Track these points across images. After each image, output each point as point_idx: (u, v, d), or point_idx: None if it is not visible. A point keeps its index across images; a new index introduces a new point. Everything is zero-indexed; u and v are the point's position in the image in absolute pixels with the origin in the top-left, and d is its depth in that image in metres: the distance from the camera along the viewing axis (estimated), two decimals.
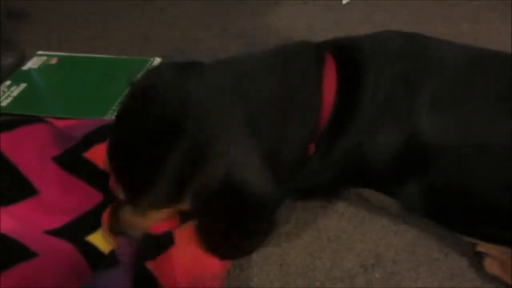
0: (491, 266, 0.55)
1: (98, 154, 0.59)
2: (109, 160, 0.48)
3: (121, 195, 0.49)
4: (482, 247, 0.56)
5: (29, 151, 0.58)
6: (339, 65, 0.52)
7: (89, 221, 0.55)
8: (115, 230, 0.51)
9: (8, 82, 0.91)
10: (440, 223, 0.59)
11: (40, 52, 1.00)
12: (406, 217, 0.61)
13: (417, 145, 0.50)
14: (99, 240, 0.54)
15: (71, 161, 0.59)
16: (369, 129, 0.51)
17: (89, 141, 0.60)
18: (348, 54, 0.53)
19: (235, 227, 0.48)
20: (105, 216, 0.53)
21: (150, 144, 0.44)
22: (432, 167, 0.50)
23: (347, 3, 1.16)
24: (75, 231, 0.54)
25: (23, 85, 0.91)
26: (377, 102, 0.50)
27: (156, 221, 0.50)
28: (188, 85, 0.46)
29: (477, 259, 0.56)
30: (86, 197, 0.57)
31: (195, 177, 0.44)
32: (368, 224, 0.62)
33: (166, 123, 0.44)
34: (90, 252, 0.53)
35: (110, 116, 0.80)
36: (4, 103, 0.86)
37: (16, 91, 0.89)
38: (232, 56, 0.56)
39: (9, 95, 0.88)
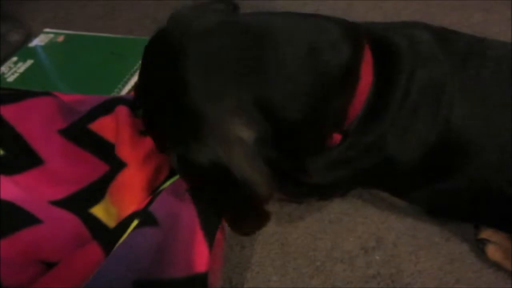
0: (494, 253, 0.55)
1: (103, 126, 0.59)
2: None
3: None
4: (484, 233, 0.56)
5: (35, 123, 0.58)
6: (376, 58, 0.49)
7: (94, 193, 0.55)
8: None
9: (14, 59, 0.91)
10: (450, 219, 0.59)
11: (47, 30, 1.00)
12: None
13: (447, 145, 0.49)
14: (102, 212, 0.55)
15: (77, 133, 0.59)
16: (400, 127, 0.49)
17: (94, 113, 0.61)
18: (385, 49, 0.50)
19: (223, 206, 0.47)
20: None
21: (160, 92, 0.44)
22: (459, 168, 0.49)
23: None
24: (79, 202, 0.54)
25: (29, 62, 0.91)
26: (409, 103, 0.48)
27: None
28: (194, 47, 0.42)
29: (479, 246, 0.56)
30: (91, 168, 0.57)
31: (183, 143, 0.42)
32: (370, 207, 0.62)
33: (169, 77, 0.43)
34: (93, 223, 0.53)
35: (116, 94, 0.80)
36: (10, 79, 0.86)
37: (22, 67, 0.89)
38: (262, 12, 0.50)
39: (15, 71, 0.88)
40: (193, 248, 0.46)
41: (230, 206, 0.47)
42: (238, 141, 0.41)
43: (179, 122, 0.43)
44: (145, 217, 0.46)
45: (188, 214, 0.48)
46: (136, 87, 0.57)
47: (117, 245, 0.44)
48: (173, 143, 0.44)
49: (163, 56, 0.44)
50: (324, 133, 0.48)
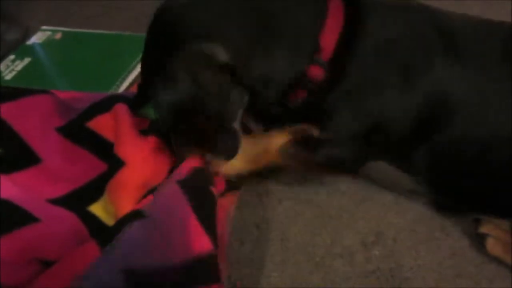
0: (493, 247, 0.55)
1: (101, 124, 0.59)
2: None
3: None
4: (485, 227, 0.56)
5: (33, 121, 0.58)
6: (347, 9, 0.51)
7: (92, 191, 0.55)
8: None
9: (12, 57, 0.91)
10: (448, 197, 0.58)
11: (44, 27, 1.00)
12: (412, 196, 0.61)
13: (438, 99, 0.50)
14: (100, 210, 0.55)
15: (74, 131, 0.59)
16: (382, 84, 0.51)
17: (92, 111, 0.60)
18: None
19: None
20: None
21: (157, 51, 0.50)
22: (451, 124, 0.50)
23: None
24: (77, 200, 0.54)
25: (27, 60, 0.90)
26: (389, 53, 0.50)
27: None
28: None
29: (479, 240, 0.56)
30: (89, 166, 0.57)
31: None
32: (370, 203, 0.62)
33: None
34: (92, 221, 0.53)
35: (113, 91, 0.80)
36: (8, 77, 0.86)
37: (20, 65, 0.89)
38: None
39: (13, 69, 0.88)
40: (188, 233, 0.46)
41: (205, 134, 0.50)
42: (206, 57, 0.46)
43: (160, 60, 0.49)
44: (135, 217, 0.46)
45: (178, 203, 0.47)
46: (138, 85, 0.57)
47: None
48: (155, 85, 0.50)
49: (162, 19, 0.51)
50: (302, 60, 0.51)
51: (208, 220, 0.47)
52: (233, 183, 0.58)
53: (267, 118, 0.58)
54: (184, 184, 0.49)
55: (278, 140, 0.55)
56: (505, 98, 0.49)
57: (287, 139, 0.55)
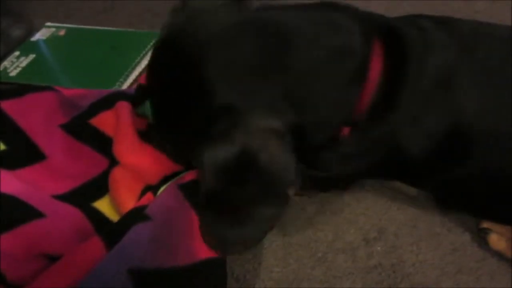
0: (496, 242, 0.55)
1: (104, 121, 0.59)
2: None
3: None
4: (487, 223, 0.56)
5: (37, 118, 0.58)
6: (385, 49, 0.48)
7: (96, 187, 0.56)
8: None
9: (17, 53, 0.92)
10: (462, 211, 0.58)
11: (48, 24, 1.00)
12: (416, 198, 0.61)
13: (460, 132, 0.48)
14: (105, 206, 0.55)
15: (78, 128, 0.59)
16: (411, 117, 0.48)
17: (95, 108, 0.61)
18: (393, 39, 0.49)
19: (246, 198, 0.44)
20: None
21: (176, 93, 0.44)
22: (472, 155, 0.48)
23: None
24: (81, 196, 0.55)
25: (31, 56, 0.91)
26: (420, 92, 0.48)
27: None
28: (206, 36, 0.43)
29: (481, 235, 0.56)
30: (93, 163, 0.57)
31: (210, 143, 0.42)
32: (372, 199, 0.62)
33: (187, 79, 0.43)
34: (97, 217, 0.54)
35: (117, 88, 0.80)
36: (13, 74, 0.87)
37: (24, 62, 0.90)
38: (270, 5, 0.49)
39: (18, 66, 0.89)
40: (192, 237, 0.47)
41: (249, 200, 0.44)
42: (270, 131, 0.42)
43: (204, 123, 0.43)
44: (138, 216, 0.47)
45: (182, 206, 0.48)
46: (138, 85, 0.57)
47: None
48: (197, 146, 0.43)
49: (180, 59, 0.44)
50: (335, 125, 0.48)
51: None
52: None
53: None
54: (185, 188, 0.49)
55: None
56: None
57: None
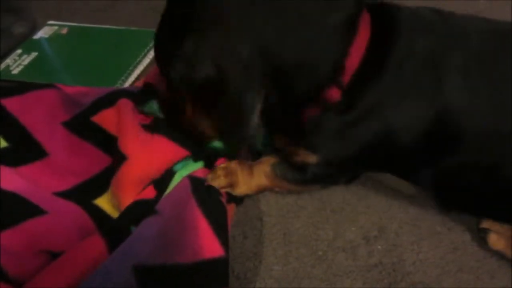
0: (496, 242, 0.55)
1: (106, 118, 0.59)
2: None
3: None
4: (486, 223, 0.56)
5: (39, 115, 0.59)
6: (375, 20, 0.49)
7: (97, 184, 0.56)
8: None
9: (19, 51, 0.92)
10: (455, 209, 0.58)
11: (51, 22, 1.00)
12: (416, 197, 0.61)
13: (448, 121, 0.47)
14: (106, 203, 0.56)
15: (80, 125, 0.60)
16: (398, 94, 0.48)
17: (97, 106, 0.61)
18: (384, 13, 0.50)
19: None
20: None
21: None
22: (461, 146, 0.48)
23: None
24: (83, 194, 0.55)
25: (34, 54, 0.91)
26: (407, 72, 0.48)
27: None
28: None
29: (481, 235, 0.56)
30: (95, 160, 0.58)
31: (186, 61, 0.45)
32: (372, 197, 0.62)
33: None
34: (98, 214, 0.54)
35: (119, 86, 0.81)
36: (15, 71, 0.87)
37: (27, 59, 0.90)
38: None
39: (20, 64, 0.89)
40: (198, 235, 0.47)
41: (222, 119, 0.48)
42: (237, 55, 0.43)
43: (179, 42, 0.46)
44: (147, 209, 0.47)
45: (189, 205, 0.48)
46: (145, 83, 0.57)
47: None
48: (176, 62, 0.47)
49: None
50: (322, 79, 0.48)
51: (218, 226, 0.48)
52: (237, 198, 0.59)
53: (269, 125, 0.55)
54: (195, 181, 0.50)
55: (266, 165, 0.58)
56: None
57: (274, 160, 0.57)
